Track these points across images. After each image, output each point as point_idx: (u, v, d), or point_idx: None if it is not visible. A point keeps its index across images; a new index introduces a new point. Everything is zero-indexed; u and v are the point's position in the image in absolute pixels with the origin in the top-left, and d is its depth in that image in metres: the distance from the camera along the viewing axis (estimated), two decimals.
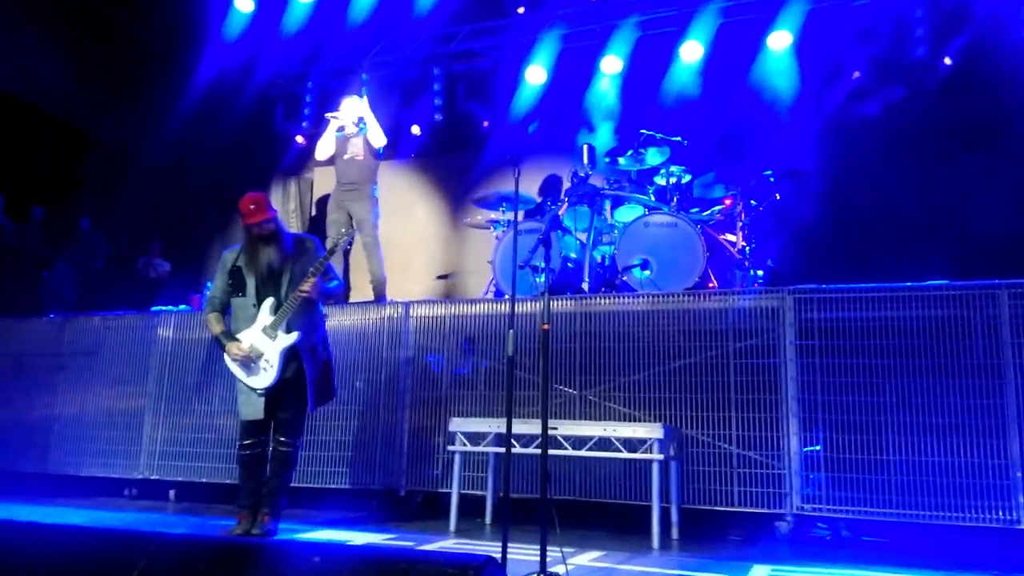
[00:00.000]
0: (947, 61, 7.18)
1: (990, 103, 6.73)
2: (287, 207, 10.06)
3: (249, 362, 4.30)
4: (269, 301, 4.34)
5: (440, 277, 8.37)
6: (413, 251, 8.90)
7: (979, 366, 4.44)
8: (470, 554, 1.64)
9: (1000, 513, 4.24)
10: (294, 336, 4.30)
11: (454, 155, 9.45)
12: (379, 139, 6.81)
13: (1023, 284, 4.46)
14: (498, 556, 2.99)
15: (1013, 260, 5.38)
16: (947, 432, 4.40)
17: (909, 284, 4.66)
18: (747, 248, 6.07)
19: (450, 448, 4.99)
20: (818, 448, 4.63)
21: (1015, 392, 4.35)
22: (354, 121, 6.80)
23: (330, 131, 6.89)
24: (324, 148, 6.93)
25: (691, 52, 7.81)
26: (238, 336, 4.35)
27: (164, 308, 6.65)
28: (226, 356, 4.35)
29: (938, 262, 5.78)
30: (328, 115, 6.97)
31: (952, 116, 6.82)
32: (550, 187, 7.13)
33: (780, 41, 7.54)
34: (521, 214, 7.18)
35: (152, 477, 6.13)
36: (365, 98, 6.93)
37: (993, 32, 6.96)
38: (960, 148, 6.66)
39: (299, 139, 9.73)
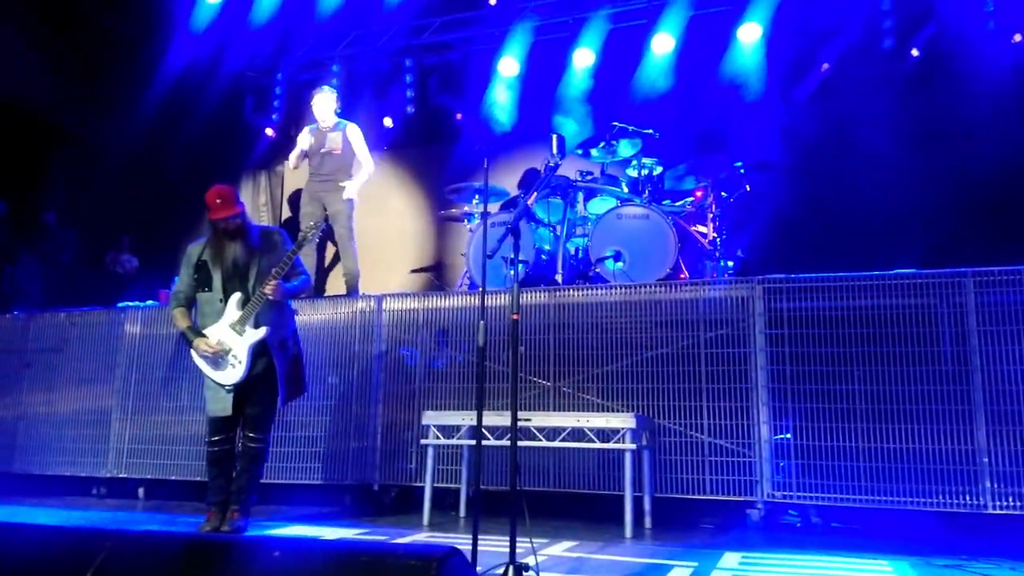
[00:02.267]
0: (914, 53, 7.25)
1: (957, 93, 6.81)
2: (258, 200, 9.94)
3: (217, 358, 4.24)
4: (236, 296, 4.27)
5: (415, 271, 8.32)
6: (387, 244, 8.83)
7: (946, 353, 4.50)
8: (435, 545, 1.63)
9: (968, 498, 4.31)
10: (262, 331, 4.24)
11: (428, 147, 9.38)
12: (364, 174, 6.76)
13: (989, 272, 4.52)
14: (469, 548, 2.98)
15: (979, 248, 5.46)
16: (915, 419, 4.46)
17: (877, 273, 4.71)
18: (718, 239, 6.10)
19: (423, 441, 4.97)
20: (788, 436, 4.67)
21: (981, 379, 4.41)
22: (330, 126, 6.73)
23: (299, 147, 6.81)
24: (294, 160, 6.86)
25: (662, 45, 7.82)
26: (205, 332, 4.28)
27: (131, 304, 6.55)
28: (193, 352, 4.29)
29: (906, 251, 5.84)
30: (305, 130, 6.91)
31: (920, 106, 6.89)
32: (529, 181, 7.10)
33: (750, 33, 7.57)
34: (497, 206, 7.16)
35: (121, 475, 6.05)
36: (356, 128, 6.83)
37: (959, 24, 7.04)
38: (928, 138, 6.74)
39: (269, 132, 9.61)
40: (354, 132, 6.77)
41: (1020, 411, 4.32)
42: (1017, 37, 6.98)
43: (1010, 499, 4.24)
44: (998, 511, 4.24)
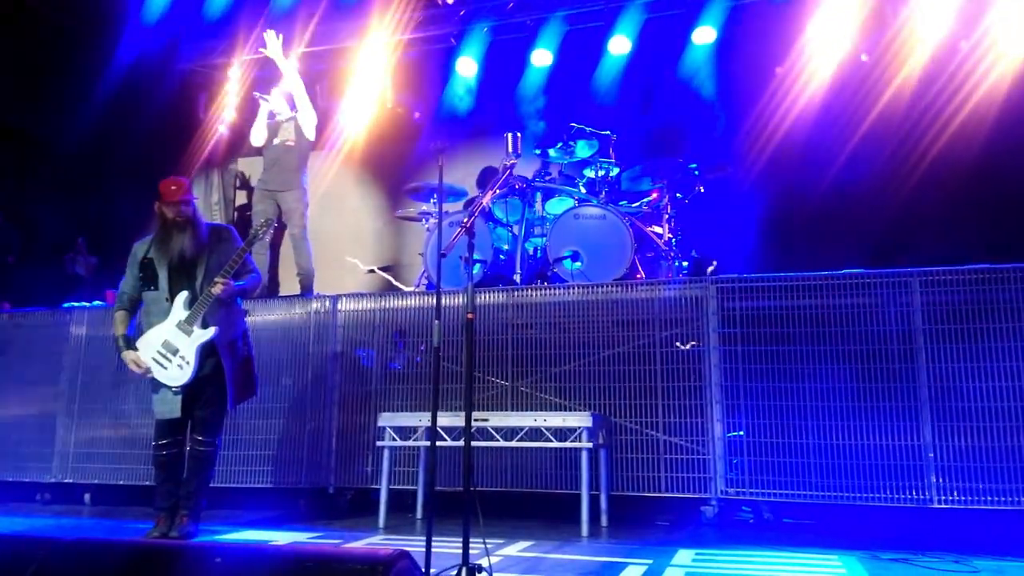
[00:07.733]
0: (864, 58, 7.41)
1: (906, 97, 6.98)
2: (210, 199, 9.73)
3: (163, 359, 4.13)
4: (183, 295, 4.17)
5: (370, 271, 8.22)
6: (344, 244, 8.73)
7: (893, 351, 4.61)
8: (381, 550, 1.60)
9: (914, 493, 4.41)
10: (211, 331, 4.15)
11: (386, 146, 9.30)
12: (310, 121, 6.65)
13: (934, 272, 4.64)
14: (424, 551, 2.96)
15: (924, 248, 5.60)
16: (863, 415, 4.56)
17: (826, 272, 4.80)
18: (673, 239, 6.16)
19: (379, 443, 4.92)
20: (741, 433, 4.73)
21: (927, 376, 4.52)
22: (284, 93, 6.63)
23: (262, 115, 6.71)
24: (258, 134, 6.74)
25: (619, 46, 7.87)
26: (151, 331, 4.17)
27: (77, 304, 6.37)
28: (139, 352, 4.17)
29: (857, 252, 5.96)
30: (258, 95, 6.78)
31: (869, 110, 7.04)
32: (486, 180, 7.08)
33: (704, 36, 7.65)
34: (460, 205, 7.12)
35: (66, 480, 5.88)
36: (294, 70, 6.71)
37: (910, 29, 7.21)
38: (877, 140, 6.89)
39: (222, 129, 9.43)
40: (304, 112, 6.65)
41: (964, 407, 4.44)
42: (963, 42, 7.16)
43: (954, 493, 4.35)
44: (943, 505, 4.36)
